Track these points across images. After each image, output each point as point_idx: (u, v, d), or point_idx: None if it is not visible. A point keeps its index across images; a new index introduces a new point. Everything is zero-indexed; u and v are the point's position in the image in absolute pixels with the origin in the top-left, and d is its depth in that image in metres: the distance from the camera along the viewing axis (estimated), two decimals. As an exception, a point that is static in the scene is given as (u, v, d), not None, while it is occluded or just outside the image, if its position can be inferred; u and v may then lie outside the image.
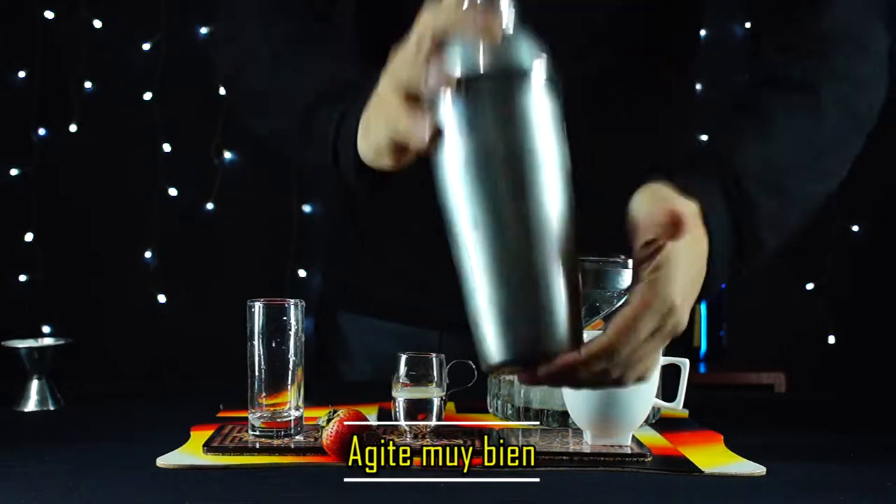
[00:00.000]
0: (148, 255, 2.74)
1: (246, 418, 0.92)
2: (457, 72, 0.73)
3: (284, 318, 0.90)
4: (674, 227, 0.77)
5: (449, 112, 0.73)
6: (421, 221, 1.21)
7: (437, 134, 0.74)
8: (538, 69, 0.73)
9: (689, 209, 0.81)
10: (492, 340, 0.74)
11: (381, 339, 1.26)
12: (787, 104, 0.96)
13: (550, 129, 0.74)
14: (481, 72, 0.72)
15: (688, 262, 0.81)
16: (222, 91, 2.63)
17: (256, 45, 1.09)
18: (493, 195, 0.72)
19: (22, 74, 2.73)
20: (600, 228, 0.94)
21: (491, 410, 1.07)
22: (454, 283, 1.15)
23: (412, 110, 0.77)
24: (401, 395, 0.92)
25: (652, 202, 0.79)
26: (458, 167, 0.73)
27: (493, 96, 0.73)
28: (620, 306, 0.79)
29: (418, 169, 1.14)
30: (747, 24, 2.71)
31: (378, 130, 0.84)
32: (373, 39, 1.07)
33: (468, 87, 0.73)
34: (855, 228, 2.73)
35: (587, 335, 0.83)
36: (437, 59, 0.75)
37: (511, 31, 0.74)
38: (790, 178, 0.94)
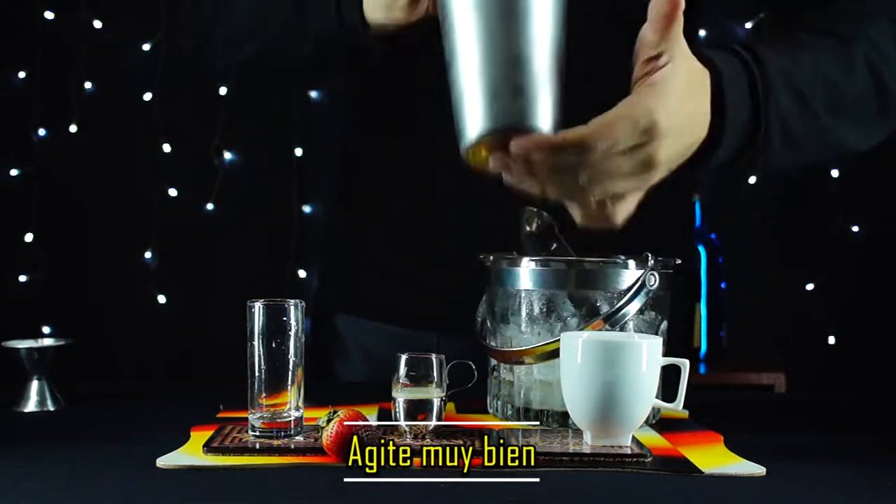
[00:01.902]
0: (148, 255, 2.74)
1: (246, 419, 0.92)
2: None
3: (284, 319, 0.90)
4: (668, 21, 0.79)
5: None
6: (418, 224, 1.22)
7: None
8: None
9: (685, 49, 0.84)
10: (473, 114, 0.83)
11: (378, 340, 1.27)
12: (821, 44, 0.96)
13: None
14: None
15: (682, 92, 0.82)
16: (222, 92, 2.63)
17: None
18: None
19: (22, 75, 2.73)
20: (600, 229, 0.94)
21: (491, 411, 1.07)
22: (450, 285, 1.16)
23: None
24: (401, 396, 0.92)
25: (652, 14, 0.82)
26: None
27: None
28: None
29: (414, 170, 1.15)
30: (748, 25, 2.71)
31: None
32: None
33: None
34: (855, 228, 2.73)
35: (587, 333, 0.84)
36: None
37: None
38: (813, 101, 0.94)
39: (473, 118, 0.84)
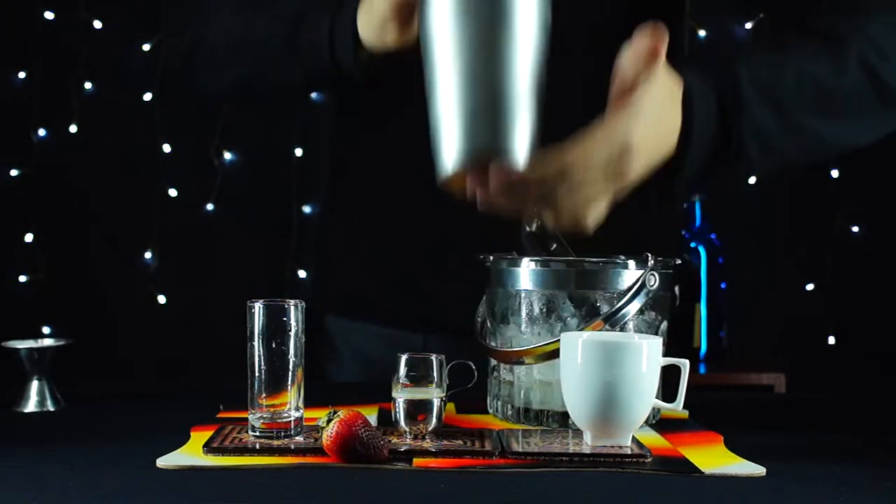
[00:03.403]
0: (148, 255, 2.74)
1: (246, 419, 0.92)
2: None
3: (284, 319, 0.90)
4: (651, 56, 0.81)
5: None
6: (410, 226, 1.22)
7: None
8: None
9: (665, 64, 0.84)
10: (451, 145, 0.84)
11: (367, 341, 1.27)
12: (809, 46, 0.96)
13: None
14: None
15: (655, 115, 0.83)
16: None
17: None
18: (472, 20, 0.83)
19: (22, 75, 2.73)
20: (600, 229, 0.94)
21: (491, 411, 1.07)
22: (438, 287, 1.17)
23: None
24: (401, 396, 0.92)
25: (639, 39, 0.82)
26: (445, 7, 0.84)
27: None
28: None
29: (406, 171, 1.15)
30: (748, 25, 2.71)
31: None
32: None
33: None
34: (855, 229, 2.73)
35: (587, 334, 0.84)
36: None
37: None
38: (795, 108, 0.94)
39: (448, 149, 0.85)
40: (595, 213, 0.84)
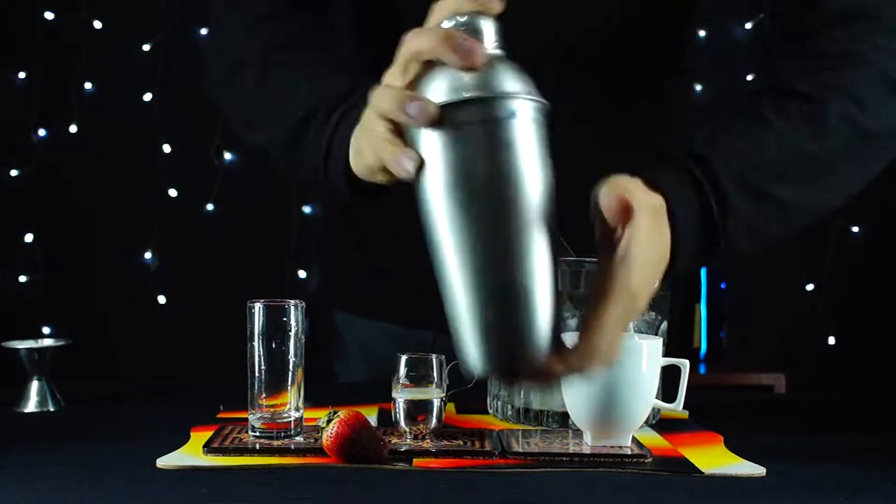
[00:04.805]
0: (148, 255, 2.74)
1: (246, 419, 0.92)
2: (438, 99, 0.73)
3: (284, 319, 0.90)
4: (624, 214, 0.79)
5: (429, 141, 0.73)
6: (415, 224, 1.21)
7: (420, 164, 0.74)
8: (523, 106, 0.73)
9: (645, 200, 0.82)
10: (472, 353, 0.74)
11: (375, 338, 1.27)
12: (787, 114, 0.94)
13: (533, 156, 0.73)
14: (463, 99, 0.72)
15: (648, 252, 0.81)
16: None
17: (245, 55, 1.08)
18: (472, 221, 0.73)
19: (22, 75, 2.73)
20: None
21: (491, 412, 1.07)
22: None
23: (395, 140, 0.77)
24: (401, 396, 0.92)
25: (609, 192, 0.80)
26: (439, 195, 0.73)
27: (473, 125, 0.72)
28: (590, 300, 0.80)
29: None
30: (748, 25, 2.71)
31: (368, 155, 0.84)
32: (371, 48, 1.06)
33: (449, 116, 0.72)
34: (855, 229, 2.73)
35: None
36: (422, 82, 0.75)
37: (495, 56, 0.74)
38: (781, 184, 0.93)
39: (470, 357, 0.74)
40: (616, 343, 0.83)
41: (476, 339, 0.74)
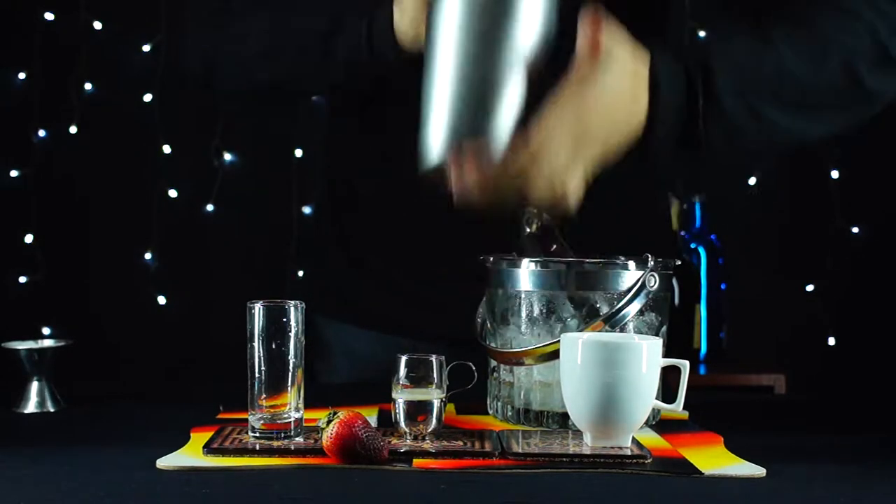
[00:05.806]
0: (148, 255, 2.74)
1: (246, 420, 0.92)
2: None
3: (284, 320, 0.90)
4: (593, 48, 0.86)
5: None
6: (403, 233, 1.22)
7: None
8: None
9: (618, 43, 0.88)
10: (438, 134, 0.91)
11: (357, 339, 1.27)
12: (792, 39, 0.97)
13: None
14: None
15: (613, 93, 0.90)
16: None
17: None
18: (476, 24, 0.91)
19: (22, 75, 2.73)
20: (600, 229, 0.95)
21: (491, 412, 1.06)
22: (430, 294, 1.18)
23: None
24: (401, 397, 0.92)
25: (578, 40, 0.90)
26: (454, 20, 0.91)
27: None
28: None
29: (403, 186, 1.16)
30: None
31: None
32: None
33: None
34: (855, 229, 2.73)
35: (587, 335, 0.85)
36: None
37: None
38: (767, 102, 0.96)
39: (435, 138, 0.93)
40: (572, 186, 0.89)
41: (446, 118, 0.92)
